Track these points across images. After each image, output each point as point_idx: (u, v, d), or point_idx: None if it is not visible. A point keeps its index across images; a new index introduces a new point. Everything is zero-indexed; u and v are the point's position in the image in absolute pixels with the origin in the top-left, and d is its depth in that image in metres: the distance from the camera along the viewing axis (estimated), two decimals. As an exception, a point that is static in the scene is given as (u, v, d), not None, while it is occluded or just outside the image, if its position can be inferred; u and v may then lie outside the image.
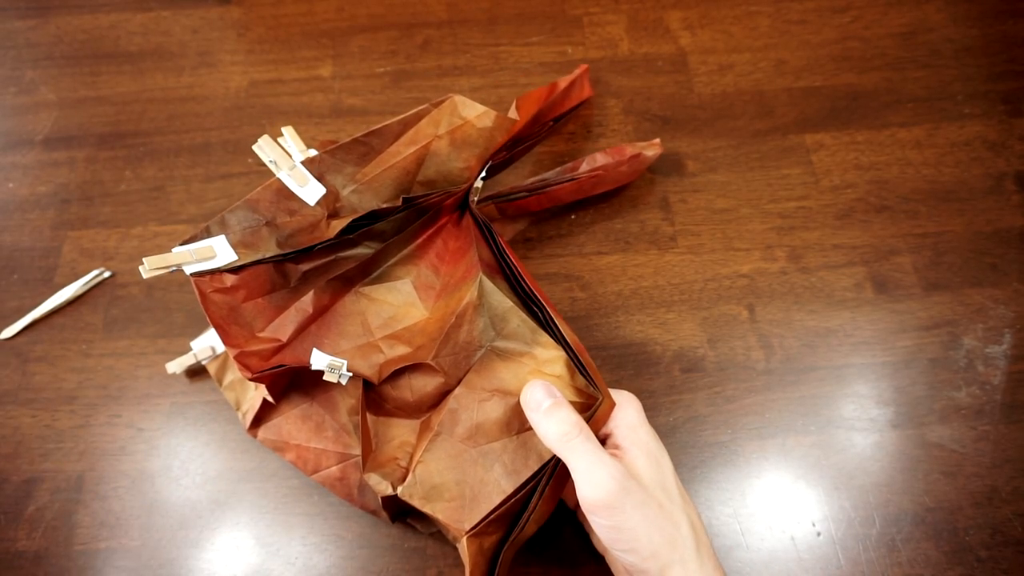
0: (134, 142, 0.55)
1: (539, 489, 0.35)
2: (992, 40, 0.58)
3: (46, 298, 0.48)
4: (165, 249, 0.50)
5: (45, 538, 0.42)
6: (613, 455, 0.34)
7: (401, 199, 0.39)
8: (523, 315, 0.38)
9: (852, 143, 0.53)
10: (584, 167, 0.48)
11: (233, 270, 0.36)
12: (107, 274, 0.49)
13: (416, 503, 0.36)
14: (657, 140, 0.51)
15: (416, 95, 0.56)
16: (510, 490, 0.35)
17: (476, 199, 0.44)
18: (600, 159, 0.48)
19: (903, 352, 0.46)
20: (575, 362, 0.37)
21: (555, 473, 0.36)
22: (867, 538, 0.41)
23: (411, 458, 0.38)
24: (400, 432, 0.39)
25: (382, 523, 0.42)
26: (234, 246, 0.37)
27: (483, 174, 0.44)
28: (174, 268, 0.35)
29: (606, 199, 0.51)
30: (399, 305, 0.41)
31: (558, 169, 0.49)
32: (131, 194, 0.53)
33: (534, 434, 0.36)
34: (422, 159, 0.41)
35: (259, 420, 0.41)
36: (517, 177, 0.52)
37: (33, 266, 0.50)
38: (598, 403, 0.36)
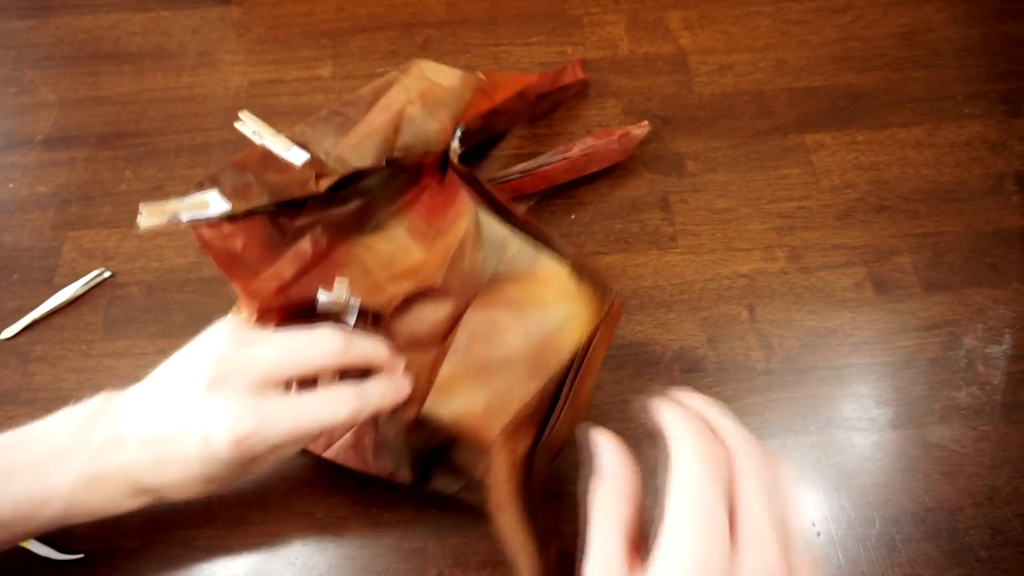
0: (134, 142, 0.55)
1: (567, 383, 0.35)
2: (992, 40, 0.58)
3: (46, 298, 0.48)
4: (165, 249, 0.50)
5: (45, 539, 0.42)
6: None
7: (384, 160, 0.41)
8: (521, 239, 0.39)
9: (852, 143, 0.53)
10: (576, 150, 0.49)
11: (230, 219, 0.37)
12: (107, 274, 0.49)
13: (442, 416, 0.35)
14: (645, 122, 0.51)
15: (416, 95, 0.56)
16: (535, 389, 0.35)
17: (456, 159, 0.45)
18: (591, 141, 0.50)
19: (903, 352, 0.46)
20: (580, 270, 0.38)
21: (580, 370, 0.35)
22: (867, 538, 0.41)
23: (430, 383, 0.37)
24: (415, 368, 0.38)
25: (383, 523, 0.41)
26: (228, 197, 0.38)
27: (459, 135, 0.45)
28: (170, 218, 0.36)
29: (606, 200, 0.51)
30: (396, 249, 0.41)
31: (550, 152, 0.50)
32: (131, 194, 0.53)
33: (554, 334, 0.36)
34: (398, 125, 0.43)
35: None
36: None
37: (33, 266, 0.50)
38: (610, 299, 0.36)
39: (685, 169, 0.52)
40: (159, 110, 0.56)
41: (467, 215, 0.40)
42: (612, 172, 0.52)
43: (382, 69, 0.58)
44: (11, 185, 0.53)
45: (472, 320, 0.38)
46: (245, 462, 0.32)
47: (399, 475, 0.39)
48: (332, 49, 0.59)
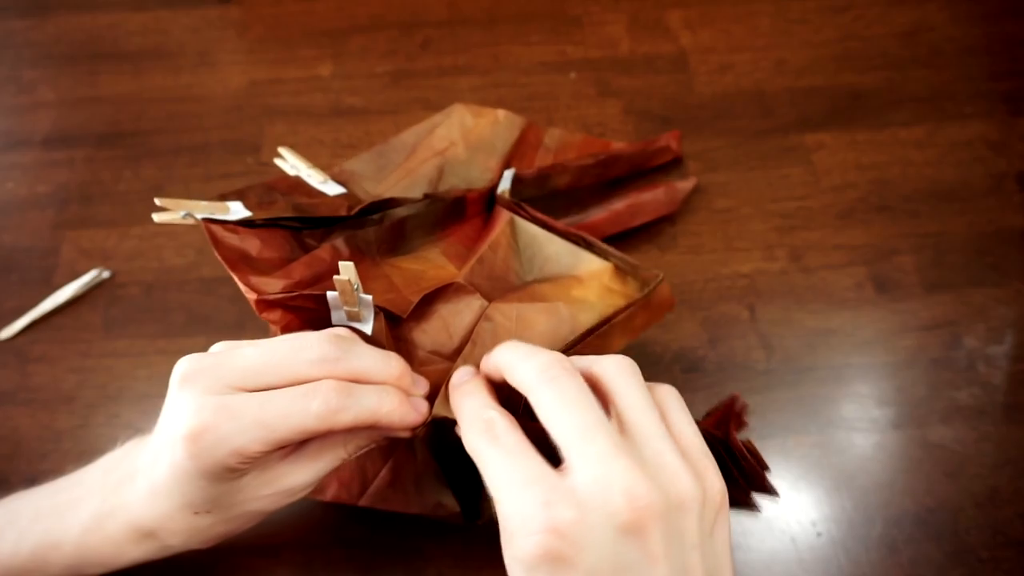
0: (133, 142, 0.55)
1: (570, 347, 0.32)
2: (993, 40, 0.57)
3: (45, 298, 0.48)
4: (165, 249, 0.50)
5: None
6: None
7: (423, 195, 0.39)
8: (561, 242, 0.36)
9: (853, 143, 0.53)
10: (621, 202, 0.48)
11: (248, 225, 0.34)
12: (106, 274, 0.49)
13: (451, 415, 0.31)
14: (693, 178, 0.51)
15: (416, 95, 0.56)
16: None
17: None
18: (636, 194, 0.49)
19: (904, 352, 0.45)
20: (625, 268, 0.35)
21: (585, 340, 0.33)
22: (868, 539, 0.41)
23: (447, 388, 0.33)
24: (436, 379, 0.34)
25: (382, 523, 0.41)
26: (250, 209, 0.35)
27: (510, 178, 0.43)
28: (185, 214, 0.33)
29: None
30: (428, 267, 0.37)
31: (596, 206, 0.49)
32: (130, 194, 0.52)
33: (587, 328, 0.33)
34: (442, 168, 0.42)
35: None
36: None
37: (32, 266, 0.50)
38: (655, 283, 0.34)
39: (685, 169, 0.52)
40: (158, 110, 0.56)
41: (503, 221, 0.37)
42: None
43: (382, 69, 0.58)
44: (10, 185, 0.53)
45: (495, 313, 0.34)
46: (217, 474, 0.29)
47: (447, 506, 0.35)
48: (332, 48, 0.59)
